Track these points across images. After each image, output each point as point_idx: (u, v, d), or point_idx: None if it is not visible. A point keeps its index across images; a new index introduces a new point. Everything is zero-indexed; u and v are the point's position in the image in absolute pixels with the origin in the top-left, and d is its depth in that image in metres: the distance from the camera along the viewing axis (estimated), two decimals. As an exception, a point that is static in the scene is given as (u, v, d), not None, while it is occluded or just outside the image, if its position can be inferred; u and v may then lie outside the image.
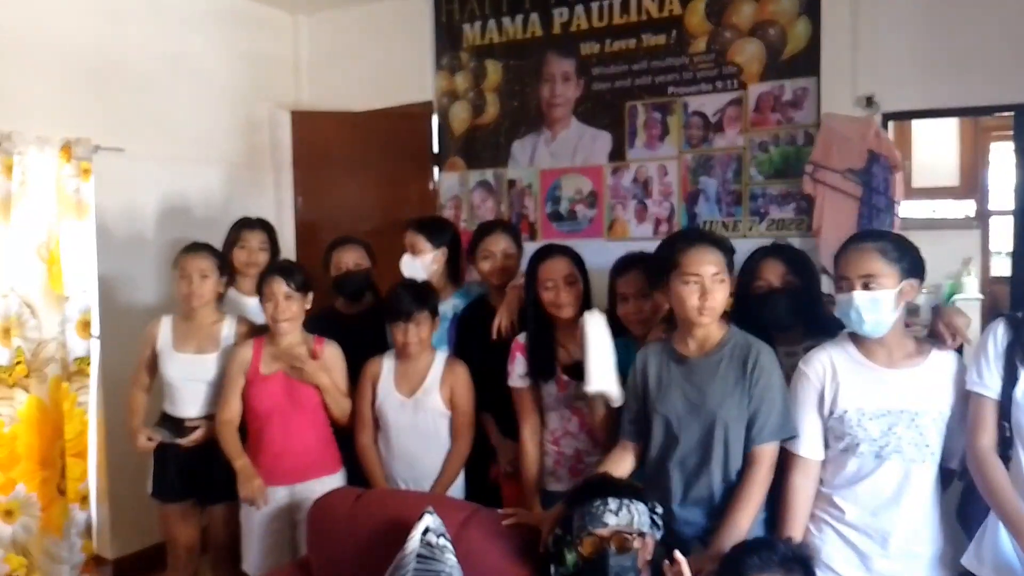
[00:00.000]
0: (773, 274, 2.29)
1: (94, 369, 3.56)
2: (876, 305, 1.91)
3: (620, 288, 2.49)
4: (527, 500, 2.54)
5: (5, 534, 3.27)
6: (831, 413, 2.01)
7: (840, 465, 2.02)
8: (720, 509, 2.07)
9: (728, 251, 2.10)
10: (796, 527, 2.02)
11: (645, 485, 2.06)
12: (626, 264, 2.51)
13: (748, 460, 2.05)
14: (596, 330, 2.29)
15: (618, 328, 2.44)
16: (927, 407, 1.95)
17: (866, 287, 1.91)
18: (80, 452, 3.52)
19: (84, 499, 3.52)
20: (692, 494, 2.10)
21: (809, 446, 2.04)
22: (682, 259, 2.06)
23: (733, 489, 2.05)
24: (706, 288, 2.01)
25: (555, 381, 2.54)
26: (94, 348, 3.56)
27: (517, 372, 2.59)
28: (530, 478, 2.58)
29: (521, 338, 2.61)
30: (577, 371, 2.40)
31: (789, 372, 2.15)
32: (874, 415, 1.96)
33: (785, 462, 2.06)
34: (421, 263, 2.99)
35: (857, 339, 2.02)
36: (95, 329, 3.56)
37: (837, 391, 2.00)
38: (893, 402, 1.96)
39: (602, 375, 2.26)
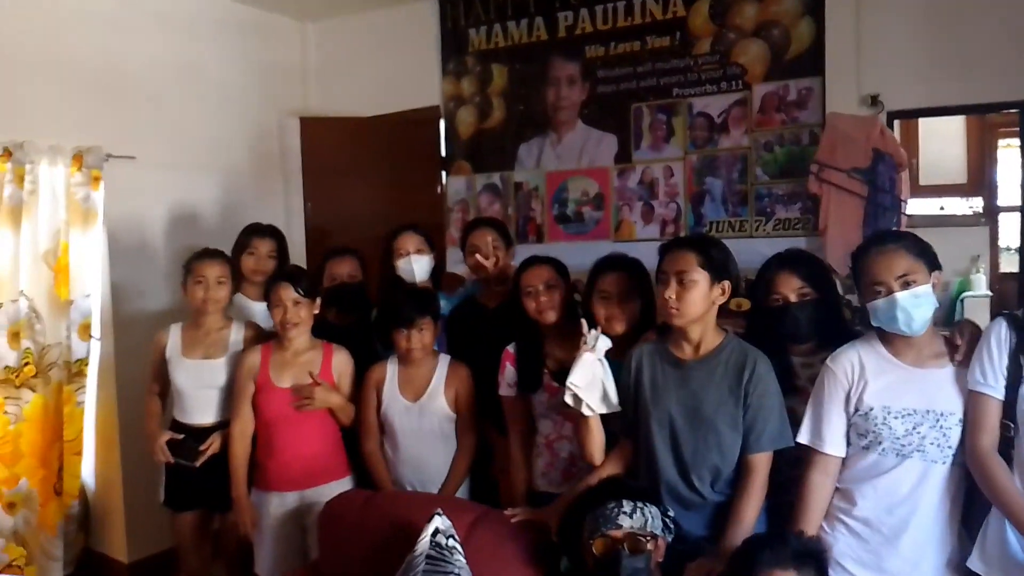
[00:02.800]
0: (788, 288, 2.23)
1: (92, 369, 3.65)
2: (920, 301, 1.90)
3: (602, 286, 2.43)
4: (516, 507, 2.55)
5: (7, 525, 3.40)
6: (856, 410, 2.01)
7: (859, 460, 2.02)
8: (713, 514, 2.09)
9: (704, 252, 2.07)
10: (811, 524, 2.02)
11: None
12: (611, 264, 2.47)
13: (745, 468, 2.06)
14: (601, 346, 2.23)
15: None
16: (953, 408, 1.94)
17: (906, 285, 1.90)
18: (79, 451, 3.64)
19: (80, 493, 3.67)
20: (685, 498, 2.11)
21: (832, 443, 2.03)
22: (661, 261, 2.13)
23: (726, 495, 2.08)
24: (672, 285, 2.04)
25: (545, 388, 2.56)
26: (94, 349, 3.65)
27: (507, 381, 2.63)
28: (518, 487, 2.61)
29: (511, 348, 2.63)
30: (565, 376, 2.42)
31: (807, 381, 2.16)
32: (899, 413, 1.96)
33: (805, 458, 2.06)
34: (426, 263, 3.08)
35: (886, 337, 2.01)
36: (95, 331, 3.63)
37: (864, 389, 2.00)
38: (920, 402, 1.95)
39: (581, 379, 2.19)
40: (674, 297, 2.04)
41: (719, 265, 2.08)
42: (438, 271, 3.27)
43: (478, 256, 2.94)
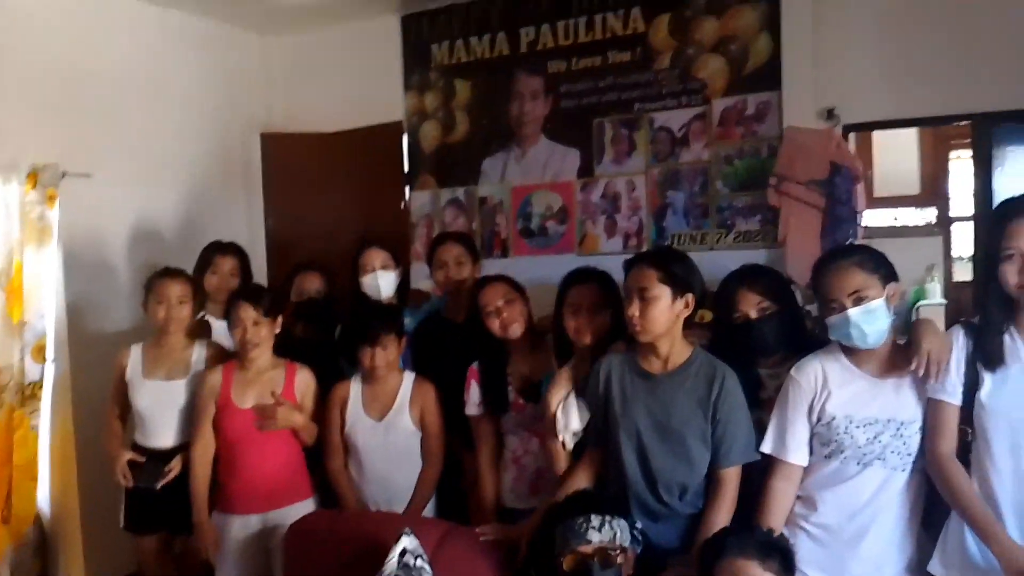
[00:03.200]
0: (748, 304, 2.25)
1: (46, 393, 3.54)
2: (872, 316, 1.93)
3: (572, 299, 2.42)
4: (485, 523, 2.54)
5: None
6: (819, 420, 2.03)
7: (821, 468, 2.04)
8: (684, 526, 2.11)
9: (664, 268, 2.08)
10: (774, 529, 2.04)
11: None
12: (581, 276, 2.46)
13: (715, 482, 2.08)
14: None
15: (567, 343, 2.44)
16: (914, 416, 1.98)
17: (858, 302, 1.93)
18: (34, 476, 3.50)
19: (35, 519, 3.51)
20: (654, 509, 2.12)
21: (795, 452, 2.06)
22: (626, 277, 2.15)
23: (696, 507, 2.10)
24: (635, 302, 2.06)
25: (512, 406, 2.56)
26: (48, 372, 3.54)
27: (473, 400, 2.63)
28: (488, 504, 2.61)
29: (475, 366, 2.64)
30: (533, 393, 2.45)
31: (774, 392, 2.17)
32: (862, 423, 1.98)
33: (767, 466, 2.08)
34: (392, 278, 3.07)
35: (848, 349, 2.04)
36: (49, 353, 3.54)
37: (828, 398, 2.02)
38: (881, 411, 1.98)
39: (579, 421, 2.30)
40: (637, 314, 2.05)
41: (680, 280, 2.10)
42: (404, 286, 3.26)
43: (444, 272, 2.94)
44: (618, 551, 1.87)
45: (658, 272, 2.07)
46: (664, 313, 2.06)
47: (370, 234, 3.30)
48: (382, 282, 3.06)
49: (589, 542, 1.86)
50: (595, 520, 1.89)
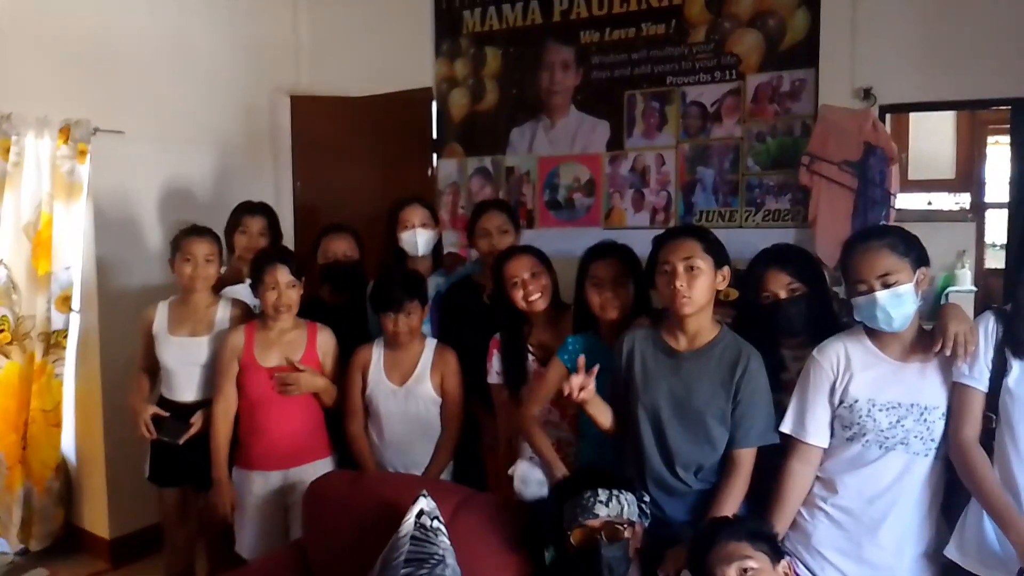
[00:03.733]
0: (778, 285, 2.23)
1: (71, 342, 3.65)
2: (900, 300, 1.92)
3: (595, 273, 2.41)
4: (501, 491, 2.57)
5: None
6: (841, 402, 2.03)
7: (843, 451, 2.04)
8: (695, 501, 2.12)
9: (705, 239, 2.08)
10: (787, 510, 2.05)
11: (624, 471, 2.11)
12: (604, 250, 2.45)
13: (730, 462, 2.09)
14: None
15: (587, 317, 2.44)
16: (938, 402, 1.96)
17: (886, 285, 1.92)
18: (58, 422, 3.66)
19: (58, 468, 3.69)
20: (669, 485, 2.13)
21: (815, 434, 2.05)
22: (659, 251, 2.11)
23: (710, 483, 2.10)
24: (679, 274, 2.03)
25: (533, 375, 2.57)
26: (73, 322, 3.65)
27: (495, 369, 2.65)
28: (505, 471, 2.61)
29: (499, 336, 2.65)
30: None
31: (796, 375, 2.16)
32: (884, 406, 1.97)
33: (786, 447, 2.08)
34: (430, 236, 3.07)
35: (872, 331, 2.03)
36: (75, 304, 3.64)
37: (850, 381, 2.01)
38: (904, 395, 1.97)
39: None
40: (685, 285, 2.03)
41: (720, 251, 2.10)
42: (438, 250, 3.25)
43: (487, 241, 2.94)
44: (625, 525, 1.88)
45: (701, 243, 2.07)
46: (709, 284, 2.06)
47: (408, 193, 3.27)
48: (420, 239, 3.04)
49: (596, 516, 1.87)
50: (602, 494, 1.89)
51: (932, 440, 1.96)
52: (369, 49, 4.50)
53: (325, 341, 2.83)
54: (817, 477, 2.08)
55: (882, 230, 2.20)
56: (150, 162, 3.89)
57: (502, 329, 2.65)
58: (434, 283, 3.06)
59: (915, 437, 1.96)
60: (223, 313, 2.94)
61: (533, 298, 2.54)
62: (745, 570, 1.70)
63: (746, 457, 2.07)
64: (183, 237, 2.92)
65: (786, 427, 2.09)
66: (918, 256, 1.97)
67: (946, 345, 1.92)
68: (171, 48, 4.00)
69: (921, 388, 1.98)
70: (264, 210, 3.37)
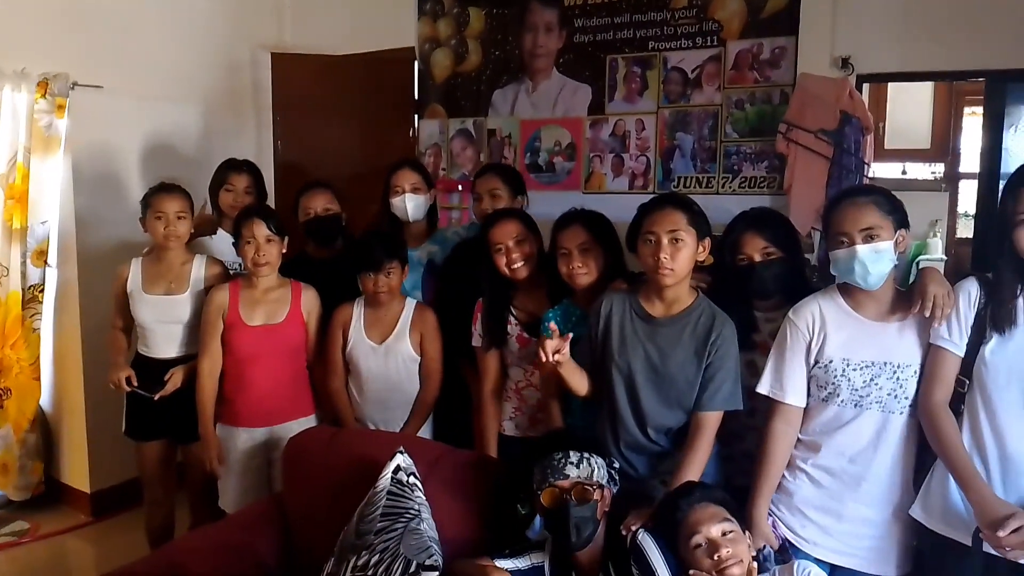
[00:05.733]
0: (753, 248, 2.26)
1: (48, 296, 3.65)
2: (879, 256, 1.94)
3: (561, 242, 2.42)
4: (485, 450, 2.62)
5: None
6: (816, 362, 2.06)
7: (819, 412, 2.08)
8: (664, 458, 2.18)
9: (689, 210, 2.10)
10: (773, 471, 2.09)
11: (593, 430, 2.18)
12: (567, 219, 2.46)
13: (695, 424, 2.12)
14: None
15: (562, 286, 2.47)
16: (910, 360, 2.00)
17: (868, 240, 1.95)
18: (37, 375, 3.67)
19: (34, 420, 3.72)
20: (638, 444, 2.19)
21: (793, 393, 2.08)
22: (644, 220, 2.12)
23: (679, 444, 2.15)
24: (663, 246, 2.05)
25: (516, 339, 2.60)
26: (49, 276, 3.65)
27: (478, 332, 2.67)
28: (488, 432, 2.67)
29: (482, 300, 2.67)
30: (538, 328, 2.47)
31: (768, 336, 2.21)
32: (858, 366, 2.01)
33: (768, 409, 2.12)
34: (421, 201, 3.04)
35: (846, 291, 2.06)
36: (52, 258, 3.63)
37: (824, 341, 2.04)
38: (878, 354, 2.00)
39: None
40: (668, 257, 2.04)
41: (703, 223, 2.12)
42: (434, 213, 3.24)
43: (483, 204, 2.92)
44: (595, 487, 1.90)
45: (686, 215, 2.08)
46: (691, 257, 2.08)
47: (376, 160, 3.25)
48: (410, 204, 3.01)
49: (567, 476, 1.89)
50: (573, 456, 1.91)
51: (906, 398, 2.00)
52: (352, 7, 4.46)
53: (309, 300, 2.86)
54: (799, 439, 2.12)
55: (869, 188, 2.22)
56: (130, 117, 3.86)
57: (485, 292, 2.66)
58: (427, 250, 3.06)
59: (888, 395, 2.00)
60: (199, 271, 2.94)
61: (516, 266, 2.54)
62: (725, 532, 1.76)
63: (711, 420, 2.11)
64: (153, 195, 2.91)
65: (763, 388, 2.11)
66: (900, 219, 1.99)
67: (924, 306, 1.95)
68: (152, 2, 3.95)
69: (895, 347, 2.01)
70: (249, 167, 3.36)
